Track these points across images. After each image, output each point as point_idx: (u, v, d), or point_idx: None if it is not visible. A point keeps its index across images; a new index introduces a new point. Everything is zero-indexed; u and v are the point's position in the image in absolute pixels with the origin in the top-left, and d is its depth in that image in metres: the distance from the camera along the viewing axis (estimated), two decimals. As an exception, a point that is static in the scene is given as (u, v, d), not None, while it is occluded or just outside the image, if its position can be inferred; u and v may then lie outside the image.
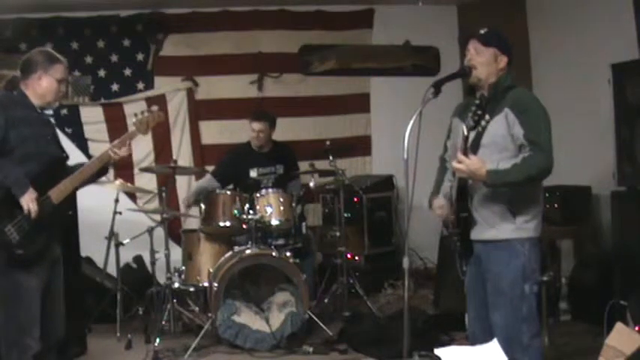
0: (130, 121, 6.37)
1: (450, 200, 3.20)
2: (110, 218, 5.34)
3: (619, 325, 3.53)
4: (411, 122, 2.93)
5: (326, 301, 5.54)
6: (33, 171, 3.25)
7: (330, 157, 5.55)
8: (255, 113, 5.64)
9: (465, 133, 2.94)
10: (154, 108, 3.73)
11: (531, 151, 3.02)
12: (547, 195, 5.10)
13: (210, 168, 6.05)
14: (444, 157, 3.46)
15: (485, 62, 3.14)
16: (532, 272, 3.13)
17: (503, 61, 3.17)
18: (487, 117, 2.89)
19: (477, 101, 2.94)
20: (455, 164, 3.00)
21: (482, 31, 3.20)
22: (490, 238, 3.14)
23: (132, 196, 6.34)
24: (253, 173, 5.62)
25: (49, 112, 3.52)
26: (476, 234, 3.19)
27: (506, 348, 2.72)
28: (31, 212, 3.19)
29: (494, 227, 3.13)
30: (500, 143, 3.06)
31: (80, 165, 3.55)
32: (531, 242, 3.13)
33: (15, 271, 3.21)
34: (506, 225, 3.11)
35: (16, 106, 3.30)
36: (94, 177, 3.53)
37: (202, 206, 5.18)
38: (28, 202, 3.19)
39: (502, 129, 3.06)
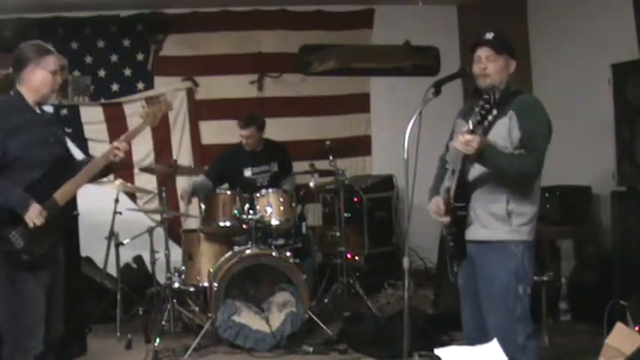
0: (130, 120, 6.48)
1: (447, 199, 3.20)
2: (110, 218, 5.34)
3: (619, 325, 3.53)
4: (411, 122, 2.93)
5: (326, 301, 5.54)
6: (37, 176, 3.21)
7: (330, 157, 5.55)
8: (242, 119, 5.53)
9: (471, 127, 2.92)
10: (162, 97, 3.68)
11: (524, 153, 3.03)
12: (547, 195, 5.11)
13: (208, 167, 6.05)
14: (444, 157, 3.46)
15: (498, 70, 3.14)
16: (525, 274, 3.14)
17: (513, 65, 3.18)
18: (494, 112, 2.86)
19: (486, 96, 2.90)
20: (460, 137, 2.95)
21: (489, 36, 3.17)
22: (485, 239, 3.15)
23: (132, 196, 6.34)
24: (247, 173, 5.61)
25: (49, 108, 3.47)
26: (471, 234, 3.20)
27: (502, 349, 2.72)
28: (37, 224, 3.17)
29: (489, 228, 3.14)
30: (500, 145, 3.06)
31: (86, 161, 3.51)
32: (526, 245, 3.15)
33: (20, 273, 3.20)
34: (501, 226, 3.12)
35: (13, 112, 3.24)
36: (99, 175, 3.47)
37: (202, 206, 5.18)
38: (33, 218, 3.16)
39: (504, 131, 3.07)
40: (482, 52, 3.15)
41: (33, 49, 3.35)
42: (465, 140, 2.90)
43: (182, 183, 6.50)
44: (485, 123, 2.88)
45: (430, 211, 3.31)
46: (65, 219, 3.42)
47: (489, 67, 3.13)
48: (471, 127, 2.91)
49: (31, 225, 3.16)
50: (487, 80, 3.14)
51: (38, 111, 3.35)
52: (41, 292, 3.25)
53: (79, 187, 3.39)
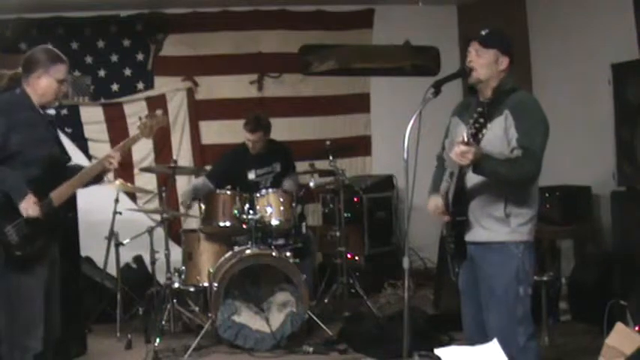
0: (130, 120, 6.50)
1: (447, 201, 3.19)
2: (110, 218, 5.34)
3: (619, 325, 3.52)
4: (411, 122, 2.93)
5: (326, 301, 5.53)
6: (35, 174, 3.23)
7: (330, 157, 5.54)
8: (250, 123, 5.48)
9: (466, 139, 2.92)
10: (159, 112, 3.74)
11: (521, 155, 3.00)
12: (547, 195, 5.12)
13: (210, 168, 6.05)
14: (441, 156, 3.45)
15: (485, 64, 3.11)
16: (526, 275, 3.13)
17: (504, 62, 3.14)
18: (488, 126, 2.86)
19: (480, 109, 2.88)
20: (455, 148, 2.93)
21: (483, 32, 3.17)
22: (485, 240, 3.14)
23: (132, 196, 6.34)
24: (251, 175, 5.59)
25: (51, 111, 3.50)
26: (471, 236, 3.18)
27: (503, 349, 2.71)
28: (31, 216, 3.19)
29: (489, 229, 3.12)
30: (498, 146, 3.05)
31: (78, 167, 3.55)
32: (525, 245, 3.13)
33: (15, 271, 3.21)
34: (501, 227, 3.11)
35: (19, 109, 3.28)
36: (93, 181, 3.52)
37: (202, 206, 5.18)
38: (27, 207, 3.18)
39: (500, 131, 3.05)
40: (472, 47, 3.15)
41: (45, 54, 3.37)
42: (460, 151, 2.89)
43: (182, 183, 6.52)
44: (480, 136, 2.87)
45: (429, 211, 3.31)
46: (60, 219, 3.44)
47: (475, 60, 3.12)
48: (465, 138, 2.89)
49: (24, 215, 3.17)
50: (473, 74, 3.13)
51: (41, 111, 3.38)
52: (39, 291, 3.26)
53: (74, 190, 3.46)
